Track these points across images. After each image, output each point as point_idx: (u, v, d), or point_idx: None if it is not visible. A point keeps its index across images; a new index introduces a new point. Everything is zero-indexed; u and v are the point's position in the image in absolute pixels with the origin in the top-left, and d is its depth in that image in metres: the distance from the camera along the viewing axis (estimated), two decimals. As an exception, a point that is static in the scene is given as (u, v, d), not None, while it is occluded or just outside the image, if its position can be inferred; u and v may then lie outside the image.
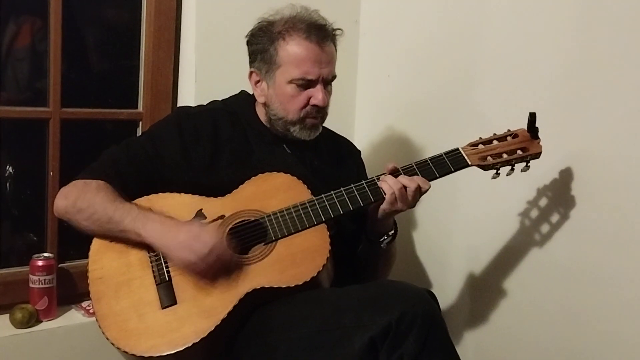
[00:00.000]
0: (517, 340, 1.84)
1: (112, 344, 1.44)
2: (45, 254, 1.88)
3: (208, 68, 2.05)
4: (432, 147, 1.91)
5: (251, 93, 1.72)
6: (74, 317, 1.91)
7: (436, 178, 1.57)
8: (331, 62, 1.63)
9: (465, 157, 1.57)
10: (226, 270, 1.47)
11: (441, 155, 1.58)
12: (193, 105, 1.89)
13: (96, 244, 1.55)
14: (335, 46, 1.65)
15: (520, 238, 1.83)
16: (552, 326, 1.76)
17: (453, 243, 2.02)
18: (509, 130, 1.61)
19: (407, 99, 2.16)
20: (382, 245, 1.65)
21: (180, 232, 1.46)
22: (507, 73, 1.84)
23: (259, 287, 1.45)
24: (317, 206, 1.54)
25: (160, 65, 2.06)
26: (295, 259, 1.49)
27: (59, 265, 1.93)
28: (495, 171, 1.59)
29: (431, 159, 1.58)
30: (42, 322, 1.85)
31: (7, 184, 1.99)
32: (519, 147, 1.58)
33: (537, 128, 1.57)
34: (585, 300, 1.68)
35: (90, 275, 1.52)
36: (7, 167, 1.97)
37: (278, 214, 1.54)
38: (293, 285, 1.45)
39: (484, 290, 1.93)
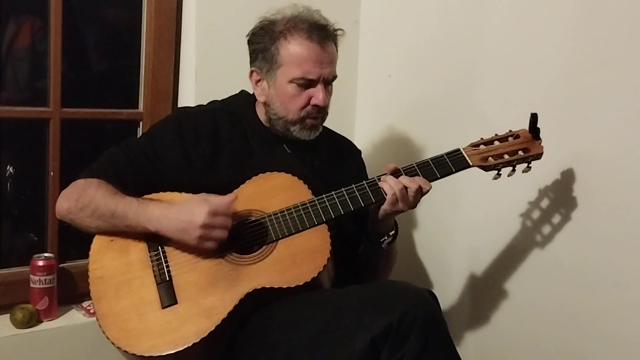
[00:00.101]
0: (518, 341, 1.84)
1: (113, 343, 1.43)
2: (46, 254, 1.87)
3: (208, 68, 2.05)
4: (433, 147, 1.92)
5: (251, 93, 1.72)
6: (74, 317, 1.91)
7: (437, 179, 1.57)
8: (332, 62, 1.63)
9: (467, 158, 1.57)
10: (230, 268, 1.48)
11: (442, 156, 1.58)
12: (193, 105, 1.89)
13: (97, 244, 1.55)
14: (336, 46, 1.65)
15: (521, 239, 1.83)
16: (553, 327, 1.75)
17: (454, 243, 2.02)
18: (510, 131, 1.61)
19: (408, 99, 2.16)
20: (382, 246, 1.65)
21: (183, 207, 1.47)
22: (507, 73, 1.84)
23: (259, 287, 1.45)
24: (318, 206, 1.54)
25: (161, 65, 2.06)
26: (296, 259, 1.49)
27: (60, 265, 1.93)
28: (496, 172, 1.58)
29: (432, 159, 1.58)
30: (42, 322, 1.85)
31: (8, 184, 1.98)
32: (520, 147, 1.58)
33: (538, 129, 1.57)
34: (586, 300, 1.68)
35: (90, 275, 1.52)
36: (8, 167, 1.97)
37: (279, 214, 1.54)
38: (294, 285, 1.45)
39: (485, 291, 1.93)
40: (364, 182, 1.57)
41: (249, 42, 1.68)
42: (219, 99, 1.76)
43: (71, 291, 1.94)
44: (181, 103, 2.10)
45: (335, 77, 1.65)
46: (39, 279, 1.83)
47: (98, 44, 2.13)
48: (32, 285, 1.84)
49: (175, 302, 1.46)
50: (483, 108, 1.90)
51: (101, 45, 2.14)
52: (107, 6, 2.09)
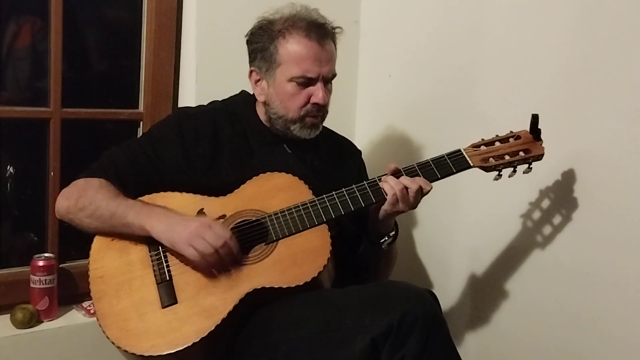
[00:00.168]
0: (519, 341, 1.84)
1: (113, 343, 1.43)
2: (46, 254, 1.87)
3: (209, 68, 2.05)
4: (433, 147, 1.92)
5: (251, 93, 1.72)
6: (74, 317, 1.91)
7: (438, 179, 1.57)
8: (331, 60, 1.63)
9: (467, 159, 1.57)
10: (230, 267, 1.47)
11: (443, 157, 1.58)
12: (194, 105, 1.89)
13: (97, 244, 1.55)
14: (335, 45, 1.65)
15: (521, 239, 1.83)
16: (554, 327, 1.75)
17: (454, 244, 2.02)
18: (511, 132, 1.61)
19: (408, 99, 2.16)
20: (383, 246, 1.65)
21: (190, 223, 1.46)
22: (508, 73, 1.84)
23: (259, 287, 1.45)
24: (319, 206, 1.54)
25: (161, 65, 2.06)
26: (297, 259, 1.49)
27: (60, 266, 1.92)
28: (497, 173, 1.58)
29: (433, 160, 1.58)
30: (42, 322, 1.85)
31: (8, 184, 1.98)
32: (521, 148, 1.58)
33: (539, 130, 1.57)
34: (587, 300, 1.68)
35: (91, 275, 1.52)
36: (8, 167, 1.97)
37: (279, 214, 1.54)
38: (294, 285, 1.45)
39: (486, 291, 1.93)
40: (365, 182, 1.57)
41: (247, 42, 1.68)
42: (220, 99, 1.77)
43: (71, 291, 1.94)
44: (181, 103, 2.10)
45: (334, 75, 1.65)
46: (39, 279, 1.83)
47: (98, 44, 2.13)
48: (32, 285, 1.84)
49: (176, 302, 1.46)
50: (483, 108, 1.90)
51: (102, 45, 2.14)
52: (107, 6, 2.09)
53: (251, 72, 1.68)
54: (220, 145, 1.64)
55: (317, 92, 1.61)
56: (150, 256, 1.52)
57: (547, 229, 1.76)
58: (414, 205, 1.56)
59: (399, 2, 2.19)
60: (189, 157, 1.62)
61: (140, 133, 2.07)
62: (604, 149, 1.63)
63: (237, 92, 1.77)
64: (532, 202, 1.79)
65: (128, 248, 1.53)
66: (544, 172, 1.71)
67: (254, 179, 1.60)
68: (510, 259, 1.86)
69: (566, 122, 1.70)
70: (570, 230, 1.71)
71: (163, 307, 1.46)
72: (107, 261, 1.52)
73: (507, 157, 1.58)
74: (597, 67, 1.64)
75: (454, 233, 2.02)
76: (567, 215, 1.71)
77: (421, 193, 1.54)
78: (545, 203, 1.77)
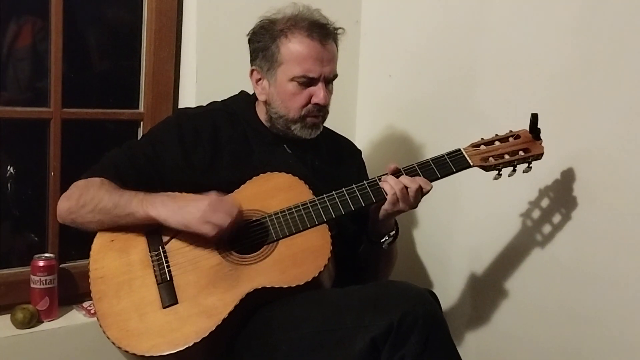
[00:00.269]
0: (519, 341, 1.84)
1: (113, 343, 1.43)
2: (47, 254, 1.88)
3: (209, 68, 2.05)
4: (433, 146, 1.92)
5: (251, 93, 1.72)
6: (75, 317, 1.91)
7: (438, 179, 1.57)
8: (333, 60, 1.63)
9: (467, 158, 1.57)
10: (230, 267, 1.48)
11: (443, 156, 1.58)
12: (194, 105, 1.89)
13: (97, 244, 1.55)
14: (336, 45, 1.65)
15: (521, 238, 1.83)
16: (554, 326, 1.75)
17: (454, 243, 2.02)
18: (510, 131, 1.61)
19: (408, 99, 2.16)
20: (383, 246, 1.65)
21: (200, 202, 1.47)
22: (508, 73, 1.84)
23: (260, 287, 1.45)
24: (319, 206, 1.54)
25: (161, 65, 2.06)
26: (297, 259, 1.49)
27: (60, 266, 1.92)
28: (497, 172, 1.58)
29: (433, 159, 1.58)
30: (43, 322, 1.85)
31: (8, 184, 1.98)
32: (521, 148, 1.58)
33: (539, 129, 1.57)
34: (587, 300, 1.68)
35: (91, 275, 1.52)
36: (8, 167, 1.97)
37: (280, 214, 1.54)
38: (294, 285, 1.45)
39: (486, 291, 1.93)
40: (365, 182, 1.57)
41: (249, 41, 1.69)
42: (220, 99, 1.77)
43: (72, 291, 1.94)
44: (182, 103, 2.10)
45: (335, 75, 1.65)
46: (40, 279, 1.83)
47: (99, 44, 2.13)
48: (32, 285, 1.84)
49: (176, 302, 1.46)
50: (483, 108, 1.90)
51: (102, 46, 2.14)
52: (107, 6, 2.09)
53: (252, 71, 1.68)
54: (220, 146, 1.64)
55: (318, 92, 1.61)
56: (151, 256, 1.52)
57: (547, 229, 1.76)
58: (414, 205, 1.56)
59: (399, 2, 2.19)
60: (189, 158, 1.62)
61: (140, 133, 2.07)
62: (603, 148, 1.64)
63: (237, 93, 1.77)
64: (532, 202, 1.79)
65: (128, 248, 1.53)
66: (544, 172, 1.71)
67: (254, 179, 1.60)
68: (511, 258, 1.86)
69: (566, 121, 1.70)
70: (570, 230, 1.71)
71: (163, 307, 1.46)
72: (107, 261, 1.52)
73: (506, 157, 1.58)
74: (597, 67, 1.64)
75: (454, 233, 2.02)
76: (567, 214, 1.71)
77: (421, 192, 1.54)
78: (545, 202, 1.77)
